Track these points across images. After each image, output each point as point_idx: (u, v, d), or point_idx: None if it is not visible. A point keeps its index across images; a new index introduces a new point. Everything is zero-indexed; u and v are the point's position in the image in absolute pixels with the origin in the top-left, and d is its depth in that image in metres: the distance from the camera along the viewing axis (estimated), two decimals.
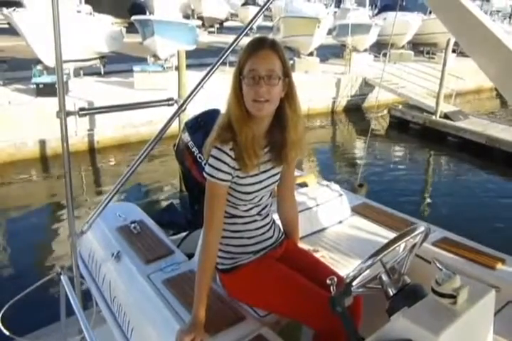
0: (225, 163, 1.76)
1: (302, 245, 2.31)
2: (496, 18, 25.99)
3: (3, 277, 5.78)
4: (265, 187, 1.94)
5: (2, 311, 2.85)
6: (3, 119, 9.24)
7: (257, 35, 1.93)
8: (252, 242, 2.00)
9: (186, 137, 2.72)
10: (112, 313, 2.39)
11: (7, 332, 2.88)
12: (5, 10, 10.67)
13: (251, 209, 1.97)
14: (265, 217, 2.04)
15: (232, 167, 1.78)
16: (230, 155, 1.76)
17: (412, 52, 19.99)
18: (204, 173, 1.81)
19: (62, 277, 2.63)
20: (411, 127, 13.24)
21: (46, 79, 10.47)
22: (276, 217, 2.22)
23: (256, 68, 1.72)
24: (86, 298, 2.87)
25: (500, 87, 1.77)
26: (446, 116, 12.51)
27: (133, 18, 13.65)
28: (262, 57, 1.73)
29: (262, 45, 1.75)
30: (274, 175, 1.97)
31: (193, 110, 2.94)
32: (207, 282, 1.84)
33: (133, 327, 2.17)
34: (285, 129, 1.85)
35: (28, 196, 8.63)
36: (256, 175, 1.87)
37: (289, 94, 1.82)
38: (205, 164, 1.83)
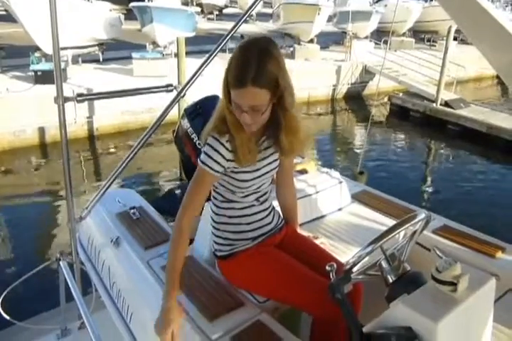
0: (220, 153, 1.74)
1: (302, 232, 2.29)
2: (498, 5, 25.76)
3: (3, 263, 5.79)
4: (263, 175, 1.91)
5: (2, 296, 2.87)
6: (1, 107, 9.20)
7: (249, 38, 1.65)
8: (251, 228, 1.99)
9: (186, 123, 2.70)
10: (112, 298, 2.39)
11: (7, 317, 2.91)
12: None
13: (248, 195, 1.95)
14: (263, 202, 2.02)
15: (228, 159, 1.76)
16: (226, 147, 1.74)
17: (413, 40, 19.87)
18: (198, 160, 1.79)
19: (61, 263, 2.64)
20: (411, 115, 13.19)
21: (44, 66, 10.40)
22: (276, 203, 2.21)
23: (237, 102, 1.63)
24: (85, 283, 2.88)
25: (503, 73, 1.75)
26: (446, 104, 12.46)
27: (131, 4, 13.53)
28: (243, 95, 1.60)
29: (242, 83, 1.57)
30: (272, 162, 1.94)
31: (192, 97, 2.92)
32: (179, 269, 1.77)
33: (132, 312, 2.18)
34: (279, 128, 1.80)
35: (27, 183, 8.63)
36: (256, 160, 1.85)
37: (280, 99, 1.69)
38: None
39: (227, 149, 1.74)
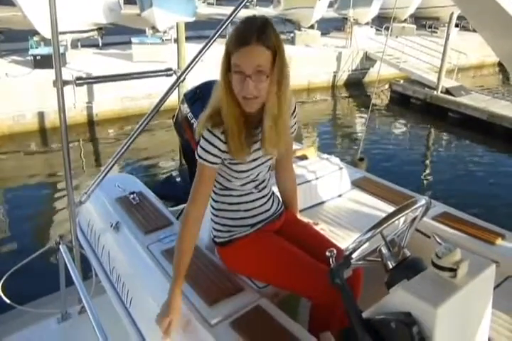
0: (215, 146, 1.73)
1: (301, 218, 2.29)
2: None
3: (3, 247, 5.81)
4: (260, 165, 1.90)
5: (2, 280, 2.88)
6: (0, 91, 9.16)
7: (248, 15, 1.66)
8: (249, 215, 1.99)
9: (185, 108, 2.68)
10: (111, 283, 2.40)
11: (8, 301, 2.92)
12: None
13: (246, 184, 1.94)
14: (262, 189, 2.01)
15: (223, 150, 1.75)
16: (221, 139, 1.73)
17: (415, 26, 19.72)
18: (196, 154, 1.78)
19: (61, 247, 2.64)
20: (412, 102, 13.14)
21: (43, 50, 10.34)
22: (276, 189, 2.20)
23: (241, 65, 1.59)
24: (85, 267, 2.88)
25: (506, 61, 1.74)
26: (447, 91, 12.39)
27: None
28: (248, 54, 1.57)
29: (247, 40, 1.56)
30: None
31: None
32: (187, 261, 1.81)
33: (132, 296, 2.19)
34: (266, 118, 1.75)
35: (27, 168, 8.61)
36: (250, 153, 1.83)
37: (279, 85, 1.66)
38: None
39: (221, 141, 1.73)
